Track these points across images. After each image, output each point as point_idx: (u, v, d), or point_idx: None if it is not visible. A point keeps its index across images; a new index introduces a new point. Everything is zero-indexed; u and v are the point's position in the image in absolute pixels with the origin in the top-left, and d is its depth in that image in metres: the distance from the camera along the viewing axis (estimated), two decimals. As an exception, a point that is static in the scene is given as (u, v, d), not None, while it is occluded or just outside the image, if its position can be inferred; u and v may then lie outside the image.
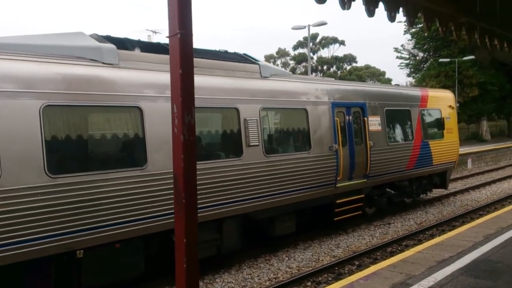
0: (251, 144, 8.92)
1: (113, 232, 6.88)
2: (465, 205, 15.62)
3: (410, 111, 13.75)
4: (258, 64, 9.85)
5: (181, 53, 3.13)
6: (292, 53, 71.74)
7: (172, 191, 3.27)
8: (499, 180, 21.54)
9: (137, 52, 7.87)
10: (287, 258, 9.87)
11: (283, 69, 30.35)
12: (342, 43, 71.73)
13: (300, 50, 69.56)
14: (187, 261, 3.16)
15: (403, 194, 14.02)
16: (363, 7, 4.66)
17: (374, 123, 12.20)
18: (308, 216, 11.20)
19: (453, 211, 14.62)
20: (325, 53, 73.37)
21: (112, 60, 7.28)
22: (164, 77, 7.24)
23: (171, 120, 3.20)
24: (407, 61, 47.68)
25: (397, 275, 6.93)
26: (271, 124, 10.21)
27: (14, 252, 5.90)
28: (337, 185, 10.90)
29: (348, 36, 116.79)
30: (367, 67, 73.49)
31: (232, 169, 8.56)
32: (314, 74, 63.60)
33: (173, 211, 3.30)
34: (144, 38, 26.98)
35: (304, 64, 66.38)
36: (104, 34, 7.83)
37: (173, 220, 3.32)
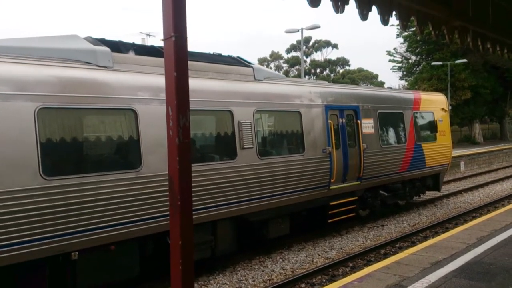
0: (245, 146, 8.95)
1: (108, 234, 6.88)
2: (458, 207, 15.71)
3: (403, 114, 13.83)
4: (252, 67, 9.88)
5: (176, 56, 3.15)
6: (285, 56, 71.97)
7: (167, 193, 3.28)
8: (492, 182, 21.69)
9: (131, 55, 7.88)
10: (281, 260, 9.90)
11: (276, 72, 30.40)
12: (335, 46, 72.07)
13: (294, 53, 69.78)
14: (183, 263, 3.17)
15: (397, 196, 14.09)
16: (356, 11, 4.71)
17: (367, 125, 12.27)
18: (302, 218, 11.23)
19: (446, 213, 14.70)
20: (318, 56, 73.69)
21: (106, 63, 7.29)
22: (158, 80, 7.29)
23: (165, 122, 3.21)
24: (400, 64, 47.95)
25: (391, 277, 6.96)
26: (265, 126, 10.24)
27: (8, 254, 5.88)
28: (331, 187, 10.95)
29: (341, 40, 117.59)
30: (360, 70, 73.78)
31: (226, 172, 8.58)
32: (307, 77, 63.74)
33: (168, 213, 3.31)
34: (138, 41, 26.96)
35: (297, 67, 66.58)
36: (99, 37, 7.84)
37: (168, 222, 3.33)
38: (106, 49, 7.42)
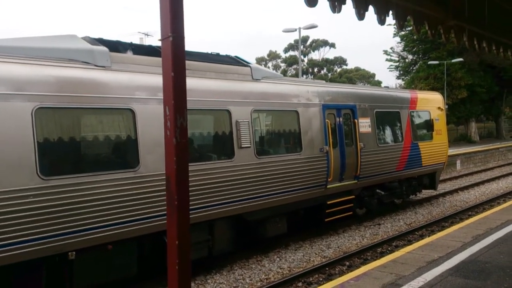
0: (242, 145, 8.96)
1: (106, 233, 6.88)
2: (454, 206, 15.77)
3: (399, 113, 13.87)
4: (249, 66, 9.90)
5: (173, 56, 3.16)
6: (283, 55, 72.00)
7: (165, 192, 3.30)
8: (488, 181, 21.76)
9: (129, 54, 7.89)
10: (278, 259, 9.92)
11: (274, 71, 30.42)
12: (332, 45, 72.14)
13: (291, 53, 69.80)
14: (179, 263, 3.18)
15: (393, 195, 14.13)
16: (353, 11, 4.73)
17: (364, 125, 12.30)
18: (299, 217, 11.26)
19: (443, 212, 14.76)
20: (315, 55, 73.76)
21: (104, 63, 7.29)
22: (156, 80, 7.30)
23: (163, 122, 3.23)
24: (397, 64, 48.00)
25: (387, 275, 6.99)
26: (262, 126, 10.27)
27: (5, 254, 5.88)
28: (328, 186, 10.98)
29: (339, 39, 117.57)
30: (357, 69, 73.88)
31: (224, 171, 8.59)
32: (305, 76, 63.85)
33: (165, 212, 3.32)
34: (136, 41, 26.90)
35: (295, 66, 66.58)
36: (97, 36, 7.84)
37: (165, 221, 3.34)
38: (104, 48, 7.41)
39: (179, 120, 3.15)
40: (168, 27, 3.16)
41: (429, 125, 15.19)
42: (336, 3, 4.49)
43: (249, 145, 9.09)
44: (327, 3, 4.45)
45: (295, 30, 29.76)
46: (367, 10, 4.84)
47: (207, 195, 8.23)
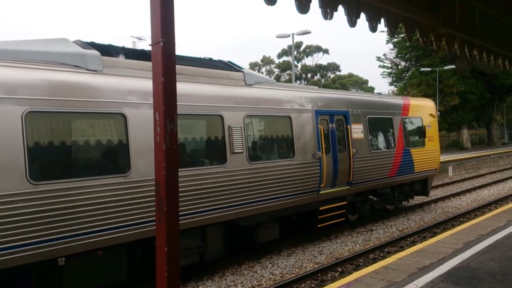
0: (235, 151, 8.95)
1: (96, 239, 6.83)
2: (446, 212, 15.84)
3: (392, 119, 13.93)
4: (242, 71, 9.90)
5: (164, 61, 3.14)
6: (276, 61, 72.23)
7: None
8: (479, 187, 21.89)
9: (121, 58, 7.85)
10: (270, 265, 9.89)
11: (267, 77, 30.45)
12: (326, 51, 72.54)
13: (285, 58, 70.08)
14: (168, 270, 3.14)
15: (386, 201, 14.16)
16: (345, 18, 4.75)
17: (357, 131, 12.34)
18: (292, 222, 11.24)
19: (434, 218, 14.80)
20: (309, 61, 74.10)
21: (96, 67, 7.25)
22: (148, 84, 7.19)
23: (154, 127, 3.20)
24: (390, 70, 48.29)
25: (379, 281, 6.99)
26: (255, 131, 10.25)
27: (-7, 260, 5.81)
28: (321, 192, 10.98)
29: (332, 46, 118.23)
30: (350, 75, 74.28)
31: (216, 176, 8.56)
32: (298, 82, 64.01)
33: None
34: (129, 45, 26.86)
35: (288, 72, 66.80)
36: (88, 40, 7.81)
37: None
38: (95, 52, 7.38)
39: (169, 126, 3.13)
40: (158, 32, 3.14)
41: (421, 131, 15.27)
42: (328, 10, 4.50)
43: (241, 151, 9.07)
44: (319, 10, 4.46)
45: (289, 35, 29.86)
46: (358, 17, 4.85)
47: (199, 201, 8.19)
